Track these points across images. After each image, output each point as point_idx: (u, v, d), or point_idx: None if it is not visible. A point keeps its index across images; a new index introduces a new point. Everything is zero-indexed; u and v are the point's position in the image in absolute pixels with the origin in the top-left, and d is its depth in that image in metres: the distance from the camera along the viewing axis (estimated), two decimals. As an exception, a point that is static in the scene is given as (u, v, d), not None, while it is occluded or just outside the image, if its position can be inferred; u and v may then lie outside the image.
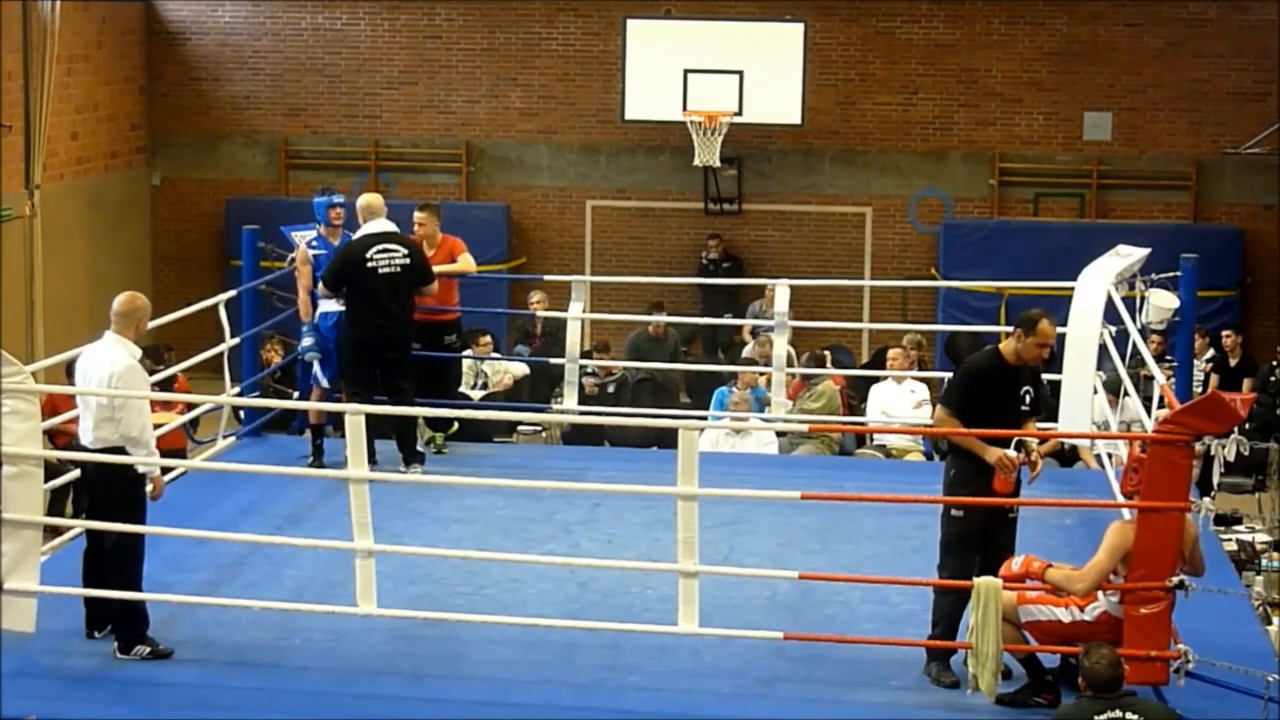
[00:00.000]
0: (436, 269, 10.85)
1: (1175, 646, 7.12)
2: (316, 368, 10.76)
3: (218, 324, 11.29)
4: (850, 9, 17.96)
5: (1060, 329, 10.51)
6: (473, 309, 12.63)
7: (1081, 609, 7.19)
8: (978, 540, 7.59)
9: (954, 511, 7.61)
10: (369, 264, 10.37)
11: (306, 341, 10.81)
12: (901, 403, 13.01)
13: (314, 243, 10.86)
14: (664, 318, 15.16)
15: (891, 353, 13.61)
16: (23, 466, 7.54)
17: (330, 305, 10.72)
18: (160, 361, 12.31)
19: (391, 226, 10.60)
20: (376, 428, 10.01)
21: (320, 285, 10.57)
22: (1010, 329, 7.83)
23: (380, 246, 10.41)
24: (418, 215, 11.19)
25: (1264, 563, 10.43)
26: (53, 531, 8.76)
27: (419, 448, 10.74)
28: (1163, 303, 10.40)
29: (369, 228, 10.53)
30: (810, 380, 12.99)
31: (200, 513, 9.38)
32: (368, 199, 10.73)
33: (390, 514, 9.37)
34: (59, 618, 7.83)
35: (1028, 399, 7.69)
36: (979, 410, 7.55)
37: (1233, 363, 15.38)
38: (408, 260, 10.46)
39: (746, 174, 18.18)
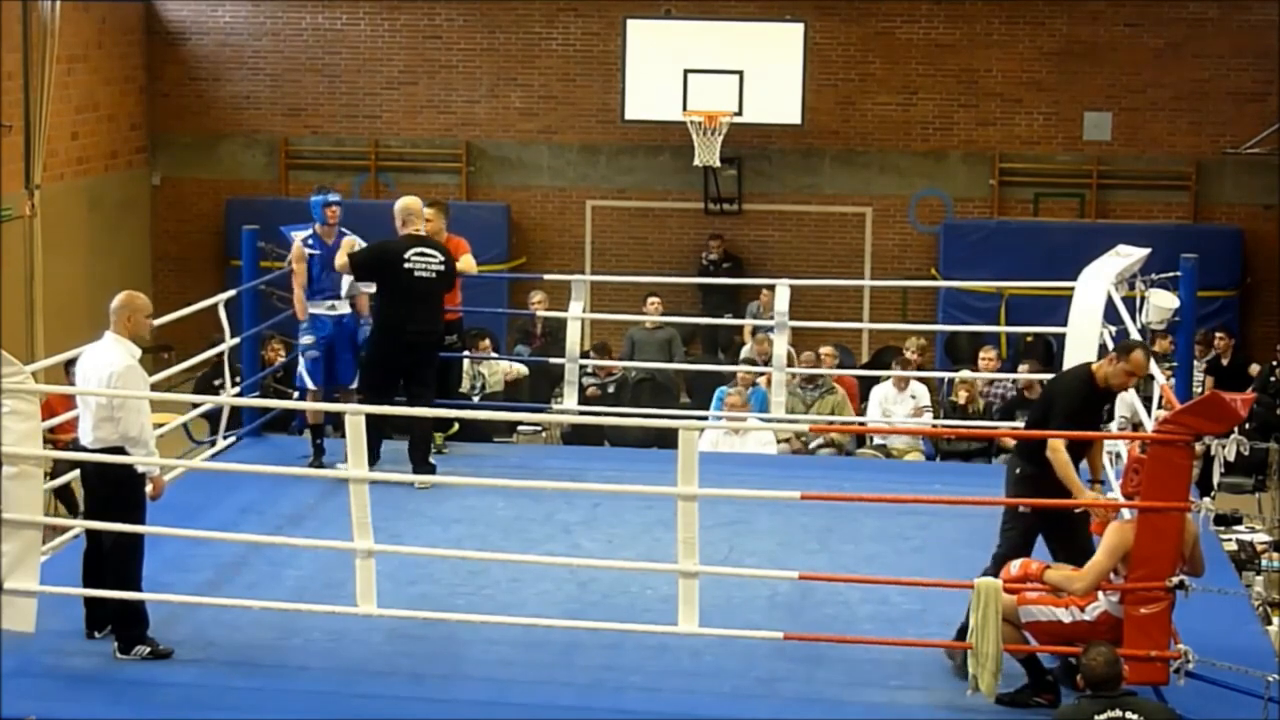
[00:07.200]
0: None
1: (1175, 646, 7.12)
2: (302, 367, 10.74)
3: (218, 324, 11.28)
4: (850, 9, 17.96)
5: (1060, 329, 10.56)
6: (473, 309, 12.62)
7: (1082, 609, 7.19)
8: (1034, 539, 7.66)
9: (1020, 509, 7.65)
10: (405, 265, 10.32)
11: (305, 340, 10.80)
12: (902, 407, 12.98)
13: (309, 241, 10.82)
14: (657, 317, 15.01)
15: (916, 359, 13.57)
16: (23, 466, 7.54)
17: (320, 309, 10.69)
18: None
19: (425, 232, 10.58)
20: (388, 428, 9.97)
21: (342, 258, 10.40)
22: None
23: (418, 250, 10.37)
24: (426, 211, 11.09)
25: (1264, 563, 10.43)
26: (53, 531, 8.76)
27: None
28: (1163, 303, 10.39)
29: (407, 231, 10.48)
30: (816, 383, 12.96)
31: (200, 513, 9.37)
32: (407, 202, 10.63)
33: (390, 514, 9.36)
34: (59, 618, 7.82)
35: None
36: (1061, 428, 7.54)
37: (1224, 362, 15.34)
38: (443, 267, 10.44)
39: (746, 174, 18.18)
